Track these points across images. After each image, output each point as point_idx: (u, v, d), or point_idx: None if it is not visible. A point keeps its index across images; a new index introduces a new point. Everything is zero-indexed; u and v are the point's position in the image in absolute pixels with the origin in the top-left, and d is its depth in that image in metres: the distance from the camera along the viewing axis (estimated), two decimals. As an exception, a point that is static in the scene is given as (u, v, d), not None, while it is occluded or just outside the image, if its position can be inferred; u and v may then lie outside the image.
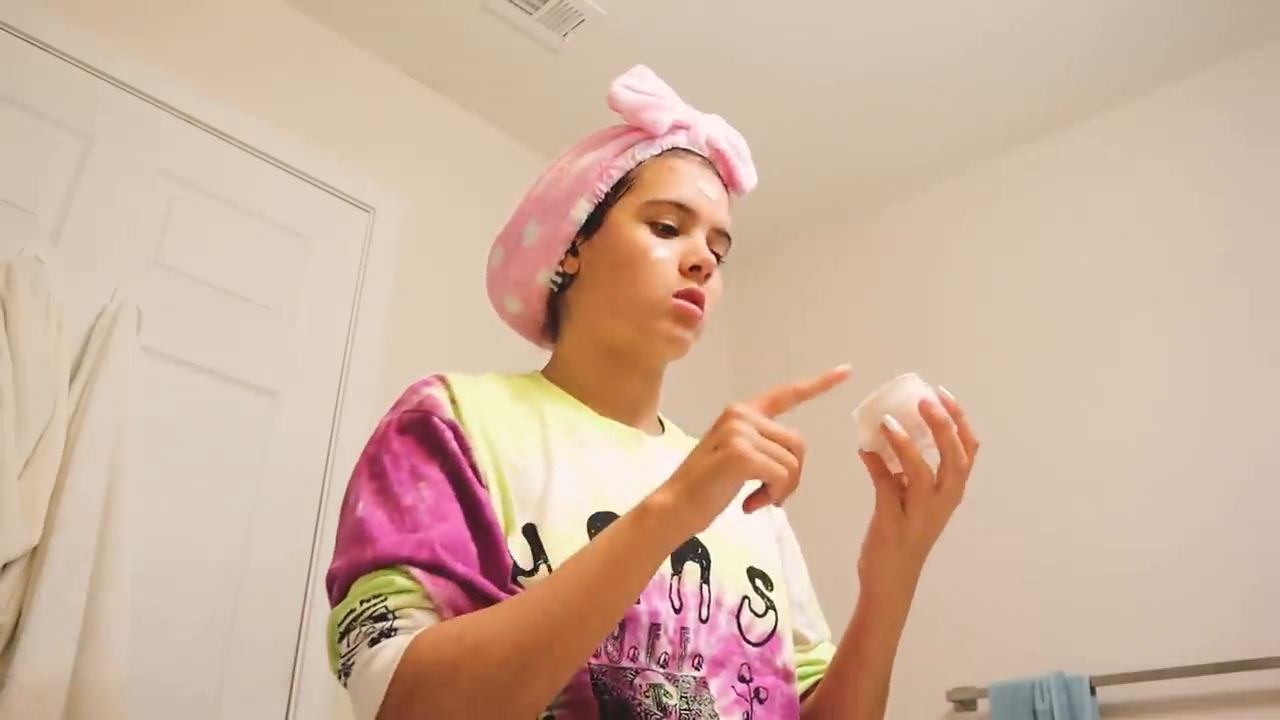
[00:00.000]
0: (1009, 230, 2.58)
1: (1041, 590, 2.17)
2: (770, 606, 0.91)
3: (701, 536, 0.88)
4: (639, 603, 0.81)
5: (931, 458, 0.82)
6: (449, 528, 0.78)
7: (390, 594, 0.74)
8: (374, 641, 0.72)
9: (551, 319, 1.04)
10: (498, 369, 1.00)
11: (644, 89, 1.00)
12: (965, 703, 2.17)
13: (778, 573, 0.97)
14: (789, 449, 0.72)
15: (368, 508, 0.80)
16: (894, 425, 0.80)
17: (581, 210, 0.98)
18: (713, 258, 0.96)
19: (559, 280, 1.01)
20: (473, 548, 0.78)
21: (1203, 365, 2.12)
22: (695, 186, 0.97)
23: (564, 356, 1.01)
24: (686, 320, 0.94)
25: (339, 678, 0.76)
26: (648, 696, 0.78)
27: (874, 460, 0.83)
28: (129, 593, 1.53)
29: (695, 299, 0.94)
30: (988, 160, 2.68)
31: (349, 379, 2.11)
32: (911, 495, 0.83)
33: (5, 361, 1.49)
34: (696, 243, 0.96)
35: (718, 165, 1.03)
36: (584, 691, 0.76)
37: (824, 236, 3.01)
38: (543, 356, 1.07)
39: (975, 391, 2.46)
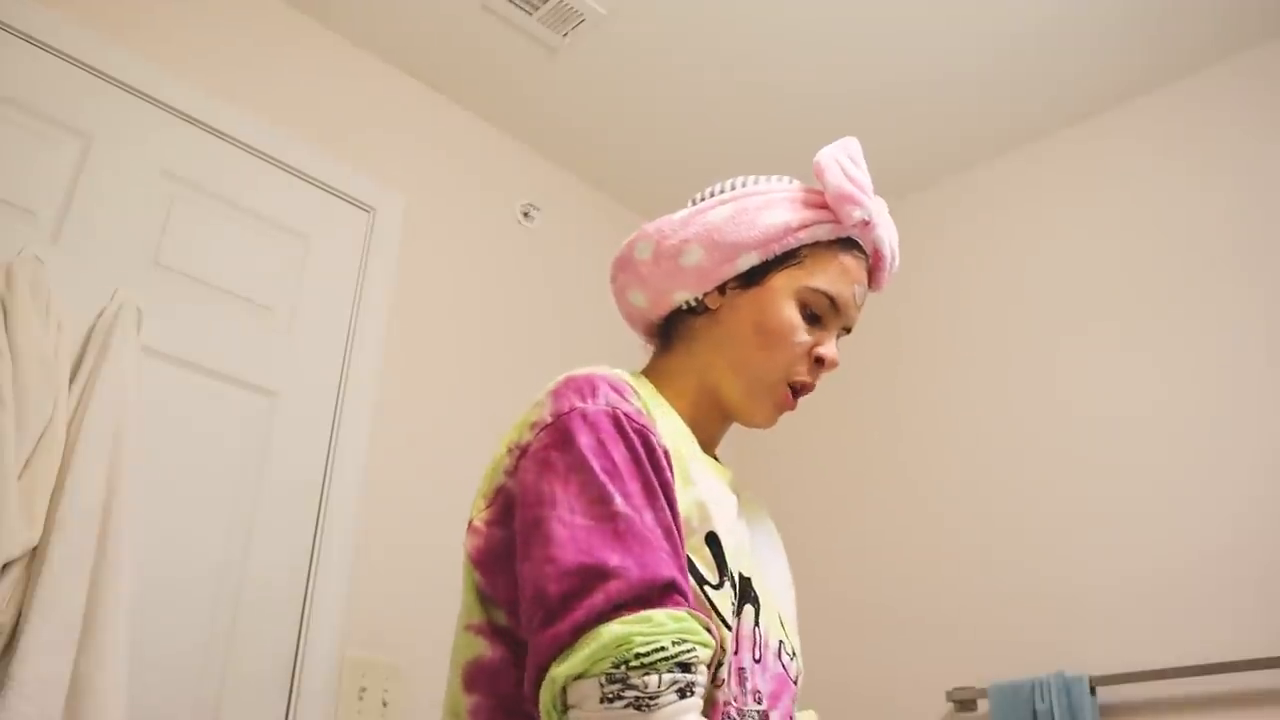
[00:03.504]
0: (1010, 230, 2.58)
1: (1041, 590, 2.17)
2: (795, 652, 0.97)
3: (752, 582, 0.92)
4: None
5: None
6: (680, 562, 0.79)
7: (698, 644, 0.73)
8: (682, 694, 0.71)
9: (664, 329, 1.07)
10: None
11: (853, 175, 1.01)
12: (965, 703, 2.17)
13: (793, 618, 1.02)
14: None
15: (625, 504, 0.78)
16: None
17: (748, 262, 1.00)
18: (837, 356, 1.00)
19: (693, 304, 1.03)
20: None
21: (1207, 365, 2.12)
22: (851, 289, 1.02)
23: (669, 375, 1.03)
24: (784, 408, 1.00)
25: (606, 702, 0.70)
26: None
27: None
28: (129, 593, 1.53)
29: (805, 391, 1.00)
30: (986, 161, 2.68)
31: (349, 379, 2.11)
32: None
33: (5, 361, 1.49)
34: (830, 338, 1.01)
35: (874, 268, 1.07)
36: None
37: (824, 236, 3.00)
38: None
39: (976, 391, 2.47)
